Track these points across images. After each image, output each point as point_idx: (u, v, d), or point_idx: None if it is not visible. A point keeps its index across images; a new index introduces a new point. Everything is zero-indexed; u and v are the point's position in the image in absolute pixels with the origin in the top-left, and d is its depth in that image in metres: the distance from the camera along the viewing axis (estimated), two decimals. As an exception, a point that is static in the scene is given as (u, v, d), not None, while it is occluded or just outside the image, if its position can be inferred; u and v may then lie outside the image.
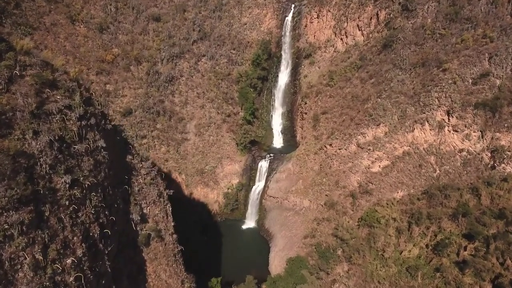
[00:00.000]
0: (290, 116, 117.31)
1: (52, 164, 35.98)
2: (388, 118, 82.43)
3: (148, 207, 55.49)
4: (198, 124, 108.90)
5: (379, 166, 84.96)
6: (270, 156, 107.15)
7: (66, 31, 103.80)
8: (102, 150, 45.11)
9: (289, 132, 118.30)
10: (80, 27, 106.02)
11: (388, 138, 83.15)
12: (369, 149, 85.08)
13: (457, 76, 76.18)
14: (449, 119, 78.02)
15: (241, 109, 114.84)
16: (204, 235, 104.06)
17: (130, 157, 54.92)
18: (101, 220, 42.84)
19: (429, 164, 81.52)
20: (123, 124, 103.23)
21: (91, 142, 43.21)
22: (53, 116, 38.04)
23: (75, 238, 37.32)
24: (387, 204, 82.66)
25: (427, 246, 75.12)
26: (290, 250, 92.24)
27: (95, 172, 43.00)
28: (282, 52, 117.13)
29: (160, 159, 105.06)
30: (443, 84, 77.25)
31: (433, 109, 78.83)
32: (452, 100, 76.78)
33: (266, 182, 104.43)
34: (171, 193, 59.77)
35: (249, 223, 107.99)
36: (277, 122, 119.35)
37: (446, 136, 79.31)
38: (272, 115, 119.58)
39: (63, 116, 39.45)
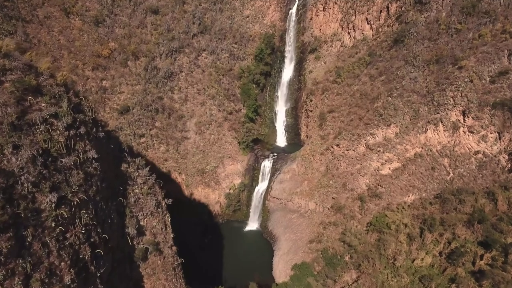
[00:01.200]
0: (294, 114, 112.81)
1: (36, 182, 32.06)
2: (400, 118, 78.02)
3: (145, 219, 51.38)
4: (198, 122, 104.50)
5: (389, 168, 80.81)
6: (274, 156, 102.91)
7: (60, 24, 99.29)
8: (93, 161, 40.99)
9: (293, 130, 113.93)
10: (75, 20, 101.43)
11: (399, 139, 78.84)
12: (378, 151, 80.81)
13: (474, 74, 71.51)
14: (464, 120, 73.57)
15: (243, 106, 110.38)
16: (205, 237, 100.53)
17: (125, 165, 50.77)
18: (92, 240, 38.70)
19: (442, 166, 77.33)
20: (121, 122, 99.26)
21: (81, 153, 39.06)
22: (36, 127, 33.97)
23: (62, 263, 33.32)
24: (398, 208, 78.65)
25: (440, 254, 71.24)
26: (295, 254, 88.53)
27: (85, 187, 38.91)
28: (286, 46, 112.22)
29: (159, 159, 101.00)
30: (459, 83, 72.58)
31: (447, 109, 74.34)
32: (468, 100, 72.23)
33: (269, 183, 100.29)
34: (170, 202, 55.54)
35: (252, 225, 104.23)
36: (280, 119, 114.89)
37: (461, 137, 74.96)
38: (275, 112, 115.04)
39: (49, 126, 35.34)
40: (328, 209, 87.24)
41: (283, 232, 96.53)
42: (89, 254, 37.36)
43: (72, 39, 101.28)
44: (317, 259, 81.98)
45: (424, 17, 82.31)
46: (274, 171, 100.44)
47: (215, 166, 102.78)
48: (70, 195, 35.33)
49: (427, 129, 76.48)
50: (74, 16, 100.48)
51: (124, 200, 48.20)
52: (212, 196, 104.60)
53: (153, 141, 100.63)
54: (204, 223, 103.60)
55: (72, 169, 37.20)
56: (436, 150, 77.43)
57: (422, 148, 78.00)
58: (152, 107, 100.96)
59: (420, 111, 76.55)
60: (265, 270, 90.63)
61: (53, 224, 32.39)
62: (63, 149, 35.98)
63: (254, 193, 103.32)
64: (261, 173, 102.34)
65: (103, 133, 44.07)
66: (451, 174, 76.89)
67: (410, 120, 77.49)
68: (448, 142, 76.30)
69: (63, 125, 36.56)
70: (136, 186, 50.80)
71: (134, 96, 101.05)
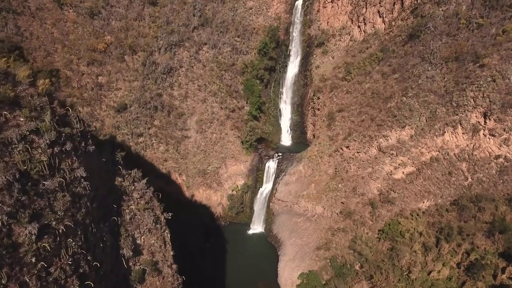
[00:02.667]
0: (300, 111, 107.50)
1: (12, 212, 27.79)
2: (415, 120, 72.95)
3: (143, 237, 46.73)
4: (199, 120, 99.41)
5: (403, 172, 76.05)
6: (279, 156, 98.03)
7: (53, 16, 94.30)
8: (82, 180, 36.12)
9: (298, 128, 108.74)
10: (69, 11, 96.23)
11: (414, 142, 73.91)
12: (392, 154, 75.96)
13: (497, 73, 66.14)
14: (485, 122, 68.48)
15: (246, 103, 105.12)
16: (207, 240, 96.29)
17: (120, 179, 45.93)
18: (81, 270, 34.06)
19: (460, 171, 72.55)
20: (118, 120, 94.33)
21: (67, 172, 34.34)
22: (13, 146, 29.26)
23: (45, 304, 28.74)
24: (412, 215, 74.09)
25: (458, 266, 67.01)
26: (301, 261, 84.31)
27: (73, 211, 34.27)
28: (292, 40, 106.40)
29: (159, 159, 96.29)
30: (481, 82, 67.27)
31: (467, 110, 69.18)
32: (490, 101, 66.98)
33: (274, 185, 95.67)
34: (170, 217, 50.85)
35: (256, 227, 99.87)
36: (285, 117, 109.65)
37: (481, 140, 70.01)
38: (280, 110, 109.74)
39: (28, 144, 30.59)
40: (337, 214, 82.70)
41: (288, 236, 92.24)
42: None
43: (66, 32, 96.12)
44: (325, 267, 77.84)
45: (442, 10, 76.49)
46: (279, 172, 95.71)
47: (217, 166, 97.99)
48: (54, 222, 30.88)
49: (445, 132, 71.45)
50: (68, 7, 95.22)
51: (119, 219, 43.49)
52: (214, 198, 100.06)
53: (152, 140, 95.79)
54: (205, 226, 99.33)
55: (57, 191, 32.56)
56: (454, 154, 72.55)
57: (438, 151, 73.11)
58: (151, 105, 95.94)
59: (437, 112, 71.45)
60: (270, 277, 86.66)
61: (33, 260, 28.02)
62: (45, 170, 31.37)
63: (258, 195, 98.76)
64: (265, 174, 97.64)
65: (93, 147, 39.08)
66: (469, 180, 72.15)
67: (427, 121, 72.43)
68: (467, 145, 71.37)
69: (45, 142, 31.88)
70: (132, 202, 46.05)
71: (132, 93, 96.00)
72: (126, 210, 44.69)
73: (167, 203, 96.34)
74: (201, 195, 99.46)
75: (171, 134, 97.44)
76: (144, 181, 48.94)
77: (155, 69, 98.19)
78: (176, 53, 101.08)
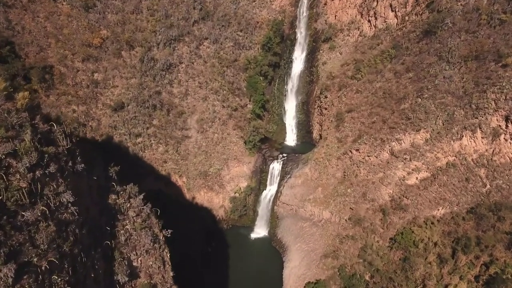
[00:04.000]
0: (305, 109, 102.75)
1: (-18, 254, 22.98)
2: (431, 123, 68.35)
3: (139, 259, 42.53)
4: (200, 119, 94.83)
5: (417, 178, 71.77)
6: (283, 157, 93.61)
7: (46, 9, 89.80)
8: (69, 205, 31.74)
9: (304, 127, 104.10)
10: (62, 4, 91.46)
11: (429, 147, 69.45)
12: (405, 158, 71.57)
13: (521, 73, 61.43)
14: (507, 126, 64.00)
15: (250, 101, 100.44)
16: (209, 245, 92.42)
17: (114, 196, 41.60)
18: (69, 308, 29.78)
19: (478, 177, 68.25)
20: (114, 120, 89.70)
21: (52, 198, 30.07)
22: (-15, 173, 24.76)
23: None
24: (426, 224, 69.96)
25: (476, 279, 63.00)
26: (307, 269, 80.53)
27: (58, 241, 30.12)
28: (297, 35, 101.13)
29: (158, 160, 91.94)
30: (503, 83, 62.56)
31: (488, 113, 64.57)
32: (513, 103, 62.35)
33: (279, 187, 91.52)
34: (169, 234, 46.57)
35: (259, 231, 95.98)
36: (290, 115, 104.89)
37: (501, 145, 65.67)
38: (284, 108, 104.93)
39: (4, 170, 26.39)
40: (346, 220, 78.60)
41: (293, 241, 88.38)
42: (63, 330, 28.82)
43: (60, 26, 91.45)
44: (333, 277, 73.97)
45: (461, 5, 71.26)
46: (284, 174, 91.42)
47: (219, 168, 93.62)
48: (36, 259, 27.09)
49: (463, 136, 66.92)
50: (61, 0, 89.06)
51: (113, 241, 39.24)
52: (216, 200, 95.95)
53: (150, 141, 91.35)
54: (207, 229, 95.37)
55: (39, 221, 28.49)
56: (472, 159, 68.20)
57: (455, 156, 68.71)
58: (149, 103, 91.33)
59: (455, 115, 66.82)
60: (274, 284, 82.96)
61: (10, 307, 23.71)
62: (25, 199, 27.43)
63: (262, 198, 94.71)
64: (269, 176, 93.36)
65: (83, 165, 34.61)
66: (488, 186, 67.90)
67: (443, 125, 67.84)
68: (486, 150, 67.00)
69: (25, 165, 27.80)
70: (127, 221, 41.82)
71: (129, 91, 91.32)
72: (121, 231, 40.48)
73: (167, 206, 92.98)
74: (202, 197, 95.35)
75: (170, 134, 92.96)
76: (141, 196, 44.59)
77: (153, 66, 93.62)
78: (176, 48, 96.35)
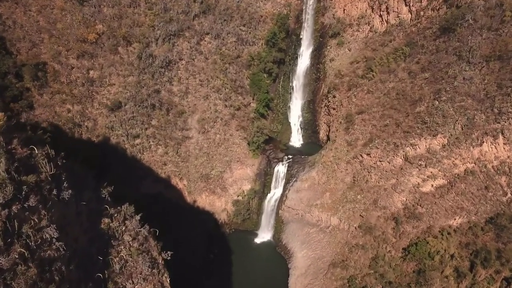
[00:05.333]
0: (312, 108, 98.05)
1: None
2: (449, 128, 63.83)
3: (136, 287, 38.24)
4: (201, 119, 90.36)
5: (432, 185, 67.55)
6: (289, 159, 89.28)
7: (39, 2, 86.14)
8: (54, 241, 27.42)
9: (310, 127, 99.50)
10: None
11: (446, 153, 65.05)
12: (420, 165, 67.27)
13: (548, 75, 56.79)
14: (532, 132, 59.47)
15: (253, 99, 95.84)
16: (211, 251, 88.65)
17: (107, 220, 37.23)
18: None
19: (499, 186, 64.05)
20: (111, 120, 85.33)
21: (32, 236, 25.69)
22: None
23: None
24: (442, 234, 65.89)
25: (497, 295, 59.16)
26: (314, 278, 76.94)
27: (41, 285, 25.74)
28: (303, 29, 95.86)
29: (157, 163, 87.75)
30: (529, 86, 57.95)
31: (511, 118, 59.92)
32: (539, 107, 57.84)
33: (284, 191, 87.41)
34: (169, 257, 42.32)
35: (263, 235, 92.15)
36: (295, 114, 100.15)
37: (525, 152, 61.22)
38: (289, 106, 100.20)
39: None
40: (355, 228, 74.65)
41: (299, 247, 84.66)
42: None
43: (53, 20, 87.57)
44: (342, 289, 70.24)
45: (483, 0, 66.27)
46: (289, 177, 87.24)
47: (221, 171, 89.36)
48: (11, 314, 22.47)
49: (483, 142, 62.46)
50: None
51: (106, 271, 35.03)
52: (218, 204, 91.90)
53: (149, 142, 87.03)
54: (209, 234, 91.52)
55: (17, 265, 24.13)
56: (492, 167, 63.88)
57: (474, 163, 64.34)
58: (148, 103, 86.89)
59: (475, 120, 62.25)
60: (279, 293, 79.73)
61: None
62: (-2, 241, 22.87)
63: (266, 201, 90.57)
64: (274, 179, 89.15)
65: (70, 191, 30.21)
66: (509, 195, 63.86)
67: (462, 130, 63.32)
68: (508, 157, 62.72)
69: (-3, 203, 23.13)
70: (122, 246, 37.56)
71: (127, 90, 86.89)
72: (115, 259, 36.20)
73: (167, 210, 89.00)
74: (204, 200, 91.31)
75: (170, 135, 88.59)
76: (138, 217, 40.24)
77: (152, 63, 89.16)
78: (175, 44, 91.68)
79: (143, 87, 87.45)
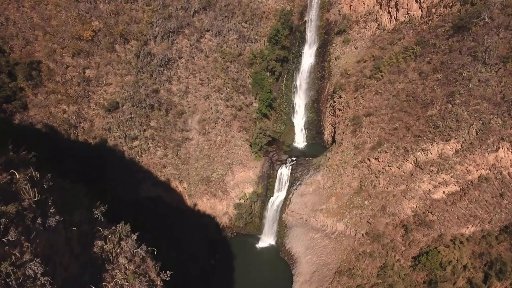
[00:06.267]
0: (316, 108, 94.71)
1: None
2: (463, 132, 60.55)
3: (133, 313, 35.33)
4: (202, 120, 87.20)
5: (444, 192, 64.46)
6: (292, 161, 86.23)
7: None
8: (38, 276, 24.35)
9: (314, 127, 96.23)
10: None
11: (459, 158, 61.83)
12: (431, 170, 64.12)
13: None
14: (551, 137, 56.28)
15: (255, 99, 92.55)
16: (212, 256, 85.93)
17: (100, 243, 34.14)
18: None
19: (514, 193, 60.89)
20: (108, 121, 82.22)
21: (13, 273, 22.67)
22: None
23: None
24: (454, 243, 62.86)
25: (513, 309, 56.35)
26: (320, 286, 74.48)
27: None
28: (307, 26, 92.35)
29: (156, 165, 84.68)
30: (549, 89, 54.64)
31: (530, 122, 56.82)
32: (559, 112, 54.59)
33: (287, 194, 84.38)
34: (168, 277, 39.34)
35: (266, 239, 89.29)
36: (299, 114, 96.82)
37: (543, 158, 58.06)
38: (293, 106, 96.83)
39: None
40: (363, 235, 71.77)
41: (304, 252, 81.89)
42: None
43: (48, 16, 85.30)
44: (349, 299, 67.52)
45: (500, -4, 62.79)
46: (293, 180, 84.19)
47: (223, 174, 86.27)
48: None
49: (499, 147, 59.18)
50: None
51: (100, 300, 32.08)
52: (219, 207, 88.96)
53: (148, 144, 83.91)
54: (210, 238, 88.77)
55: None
56: (508, 173, 60.64)
57: (489, 170, 61.13)
58: (146, 103, 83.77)
59: (491, 124, 58.92)
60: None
61: None
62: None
63: (269, 205, 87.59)
64: (277, 182, 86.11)
65: (58, 217, 27.09)
66: (525, 203, 60.64)
67: (477, 135, 60.04)
68: (526, 164, 59.47)
69: (-30, 241, 20.03)
70: (117, 270, 34.54)
71: (124, 90, 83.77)
72: (110, 285, 33.20)
73: (167, 213, 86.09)
74: (205, 204, 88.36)
75: (170, 137, 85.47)
76: (135, 236, 37.16)
77: (150, 61, 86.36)
78: (175, 41, 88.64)
79: (141, 86, 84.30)
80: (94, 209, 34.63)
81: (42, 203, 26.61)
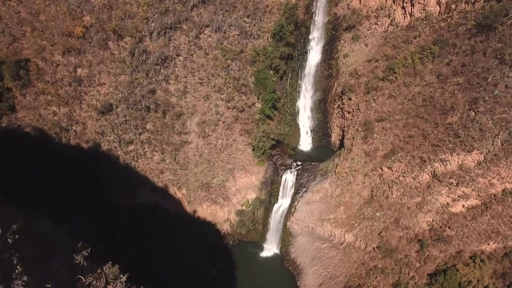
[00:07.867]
0: (323, 108, 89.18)
1: None
2: (487, 143, 55.31)
3: None
4: (201, 122, 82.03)
5: (464, 206, 59.67)
6: (298, 166, 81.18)
7: (19, -10, 77.08)
8: None
9: (321, 129, 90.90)
10: (38, -15, 77.20)
11: (482, 171, 56.76)
12: (450, 183, 59.12)
13: None
14: None
15: (258, 99, 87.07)
16: (213, 266, 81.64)
17: (90, 277, 29.17)
18: None
19: (541, 209, 56.10)
20: (102, 124, 77.21)
21: None
22: None
23: None
24: (474, 261, 58.34)
25: (539, 336, 52.06)
26: (328, 301, 70.00)
27: None
28: (313, 21, 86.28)
29: (153, 171, 79.81)
30: None
31: (561, 134, 51.68)
32: None
33: (292, 201, 79.64)
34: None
35: (270, 248, 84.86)
36: (305, 115, 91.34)
37: None
38: (298, 106, 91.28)
39: None
40: (374, 249, 67.25)
41: (309, 263, 77.65)
42: None
43: (36, 11, 79.88)
44: (360, 318, 63.31)
45: (530, -7, 57.03)
46: (298, 187, 79.36)
47: (224, 179, 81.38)
48: None
49: (527, 160, 54.19)
50: (36, -20, 77.12)
51: None
52: (221, 214, 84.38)
53: (144, 148, 78.96)
54: (211, 246, 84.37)
55: None
56: (535, 187, 55.80)
57: (514, 183, 56.25)
58: (142, 104, 78.60)
59: (518, 134, 53.85)
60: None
61: None
62: None
63: (273, 212, 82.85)
64: (281, 188, 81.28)
65: (26, 277, 22.09)
66: (552, 219, 55.90)
67: (503, 145, 54.82)
68: (555, 177, 54.52)
69: None
70: (106, 315, 29.68)
71: (118, 90, 78.54)
72: (97, 335, 28.48)
73: (165, 221, 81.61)
74: (205, 211, 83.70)
75: (167, 140, 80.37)
76: (124, 278, 32.21)
77: (146, 59, 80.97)
78: (172, 38, 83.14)
79: (136, 87, 79.02)
80: (74, 255, 29.73)
81: (5, 264, 21.68)
